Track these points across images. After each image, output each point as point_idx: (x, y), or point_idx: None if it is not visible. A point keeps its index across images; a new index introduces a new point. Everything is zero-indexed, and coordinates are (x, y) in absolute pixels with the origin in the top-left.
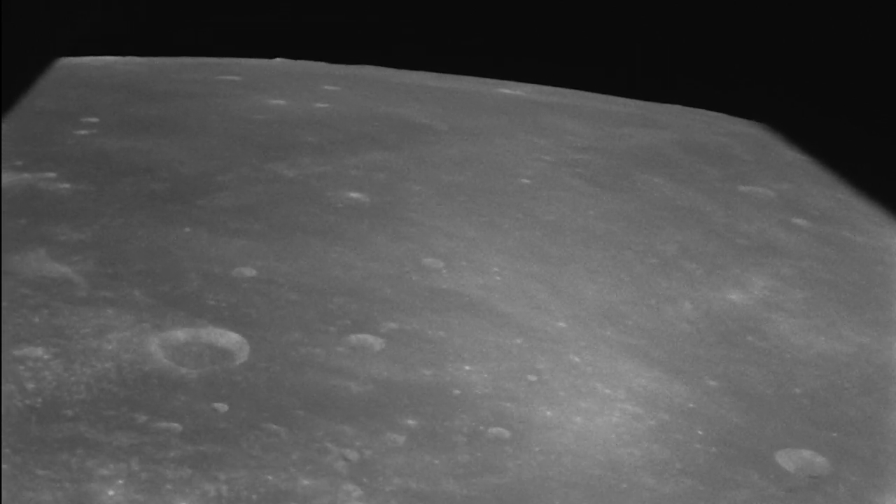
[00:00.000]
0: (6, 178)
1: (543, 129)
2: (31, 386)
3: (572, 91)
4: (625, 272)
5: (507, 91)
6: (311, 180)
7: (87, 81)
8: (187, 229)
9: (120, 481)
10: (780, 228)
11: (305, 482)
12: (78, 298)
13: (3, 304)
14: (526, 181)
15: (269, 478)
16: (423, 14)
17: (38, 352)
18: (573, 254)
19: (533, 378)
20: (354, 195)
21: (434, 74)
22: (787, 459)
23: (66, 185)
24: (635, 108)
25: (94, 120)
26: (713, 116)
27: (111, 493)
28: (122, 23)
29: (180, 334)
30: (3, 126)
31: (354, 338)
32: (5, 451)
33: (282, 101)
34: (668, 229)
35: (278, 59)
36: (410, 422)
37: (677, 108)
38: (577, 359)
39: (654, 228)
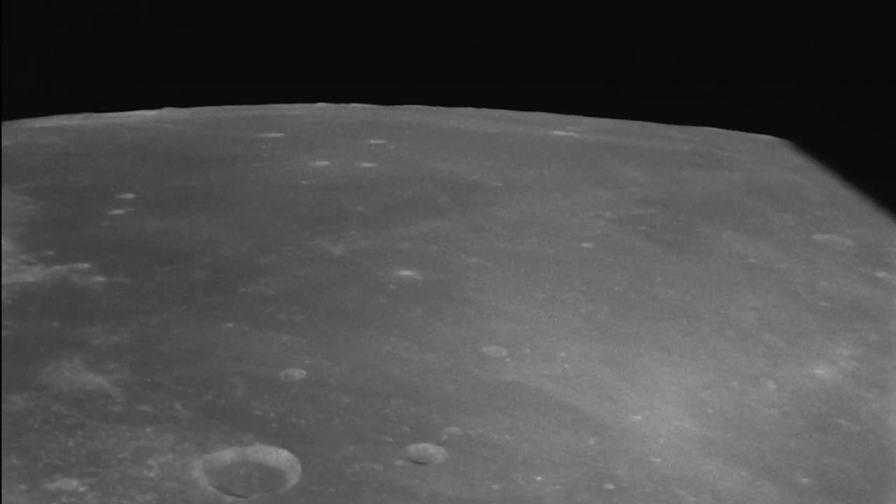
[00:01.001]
0: (39, 270)
1: (601, 179)
2: None
3: (617, 122)
4: (701, 348)
5: (559, 133)
6: (359, 257)
7: (121, 146)
8: (230, 325)
9: None
10: (863, 284)
11: None
12: (115, 415)
13: (36, 423)
14: (587, 245)
15: None
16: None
17: (73, 483)
18: (644, 330)
19: (610, 486)
20: (406, 273)
21: (481, 113)
22: None
23: (101, 279)
24: (686, 139)
25: (130, 196)
26: (737, 136)
27: None
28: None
29: (226, 455)
30: (34, 208)
31: (414, 448)
32: None
33: (326, 162)
34: (744, 293)
35: (320, 104)
36: None
37: (715, 131)
38: (656, 460)
39: (728, 294)
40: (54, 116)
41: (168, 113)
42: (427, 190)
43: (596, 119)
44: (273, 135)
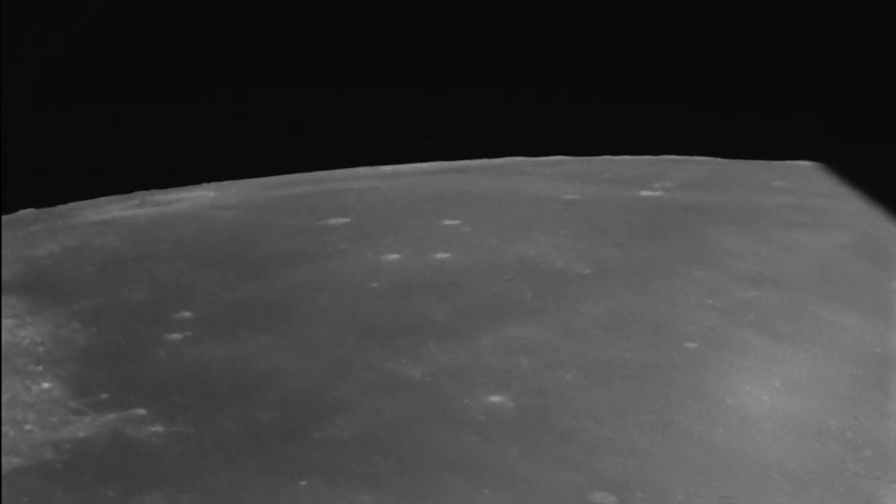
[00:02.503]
0: (91, 421)
1: (698, 254)
2: None
3: (697, 164)
4: (836, 478)
5: (646, 194)
6: (442, 381)
7: (177, 244)
8: (303, 482)
9: None
10: None
11: None
12: None
13: None
14: (693, 345)
15: None
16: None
17: None
18: (768, 457)
19: None
20: (496, 399)
21: (558, 170)
22: None
23: (159, 428)
24: (778, 187)
25: (188, 315)
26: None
27: None
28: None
29: None
30: (85, 336)
31: None
32: None
33: (396, 256)
34: (876, 399)
35: (386, 169)
36: None
37: (786, 166)
38: None
39: (858, 400)
40: (107, 201)
41: (223, 193)
42: (509, 285)
43: (680, 163)
44: (338, 220)
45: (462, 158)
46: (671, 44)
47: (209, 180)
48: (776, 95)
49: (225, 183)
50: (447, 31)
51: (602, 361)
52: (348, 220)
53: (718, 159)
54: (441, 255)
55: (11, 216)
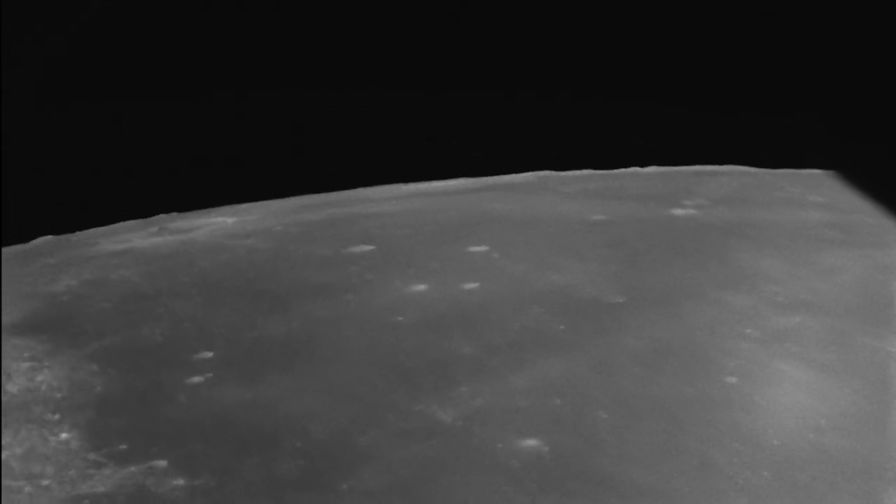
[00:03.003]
0: (110, 474)
1: (734, 278)
2: None
3: (725, 171)
4: None
5: (678, 212)
6: (473, 425)
7: (197, 277)
8: None
9: None
10: None
11: None
12: None
13: None
14: (732, 380)
15: None
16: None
17: None
18: None
19: None
20: (530, 443)
21: (586, 188)
22: None
23: (181, 481)
24: (814, 203)
25: (208, 355)
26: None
27: None
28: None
29: None
30: (103, 381)
31: None
32: None
33: (423, 286)
34: None
35: (409, 188)
36: None
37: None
38: None
39: None
40: (125, 228)
41: (241, 220)
42: (541, 316)
43: (709, 177)
44: (361, 248)
45: (465, 159)
46: (670, 43)
47: (220, 188)
48: (777, 96)
49: (244, 206)
50: (447, 31)
51: (639, 399)
52: (372, 247)
53: (748, 170)
54: (469, 285)
55: (29, 245)
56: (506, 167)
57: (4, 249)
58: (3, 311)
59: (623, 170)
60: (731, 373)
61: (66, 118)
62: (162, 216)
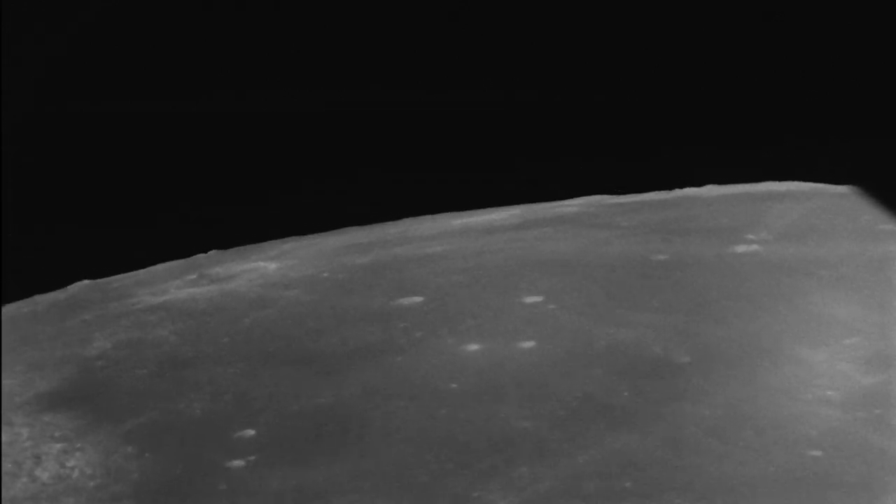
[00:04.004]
0: None
1: (809, 328)
2: None
3: (788, 192)
4: None
5: (741, 249)
6: None
7: (239, 334)
8: None
9: None
10: None
11: None
12: None
13: None
14: (817, 453)
15: None
16: None
17: None
18: None
19: None
20: None
21: (644, 221)
22: None
23: None
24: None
25: (251, 433)
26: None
27: None
28: None
29: None
30: (139, 465)
31: None
32: None
33: (477, 346)
34: None
35: (456, 224)
36: None
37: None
38: None
39: None
40: (163, 274)
41: (283, 265)
42: (603, 381)
43: (773, 201)
44: (411, 300)
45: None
46: (669, 44)
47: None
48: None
49: (287, 245)
50: (447, 31)
51: (715, 479)
52: (421, 299)
53: (811, 190)
54: (526, 344)
55: (66, 293)
56: (547, 178)
57: (41, 297)
58: (36, 376)
59: (680, 192)
60: (816, 445)
61: (66, 118)
62: (200, 257)
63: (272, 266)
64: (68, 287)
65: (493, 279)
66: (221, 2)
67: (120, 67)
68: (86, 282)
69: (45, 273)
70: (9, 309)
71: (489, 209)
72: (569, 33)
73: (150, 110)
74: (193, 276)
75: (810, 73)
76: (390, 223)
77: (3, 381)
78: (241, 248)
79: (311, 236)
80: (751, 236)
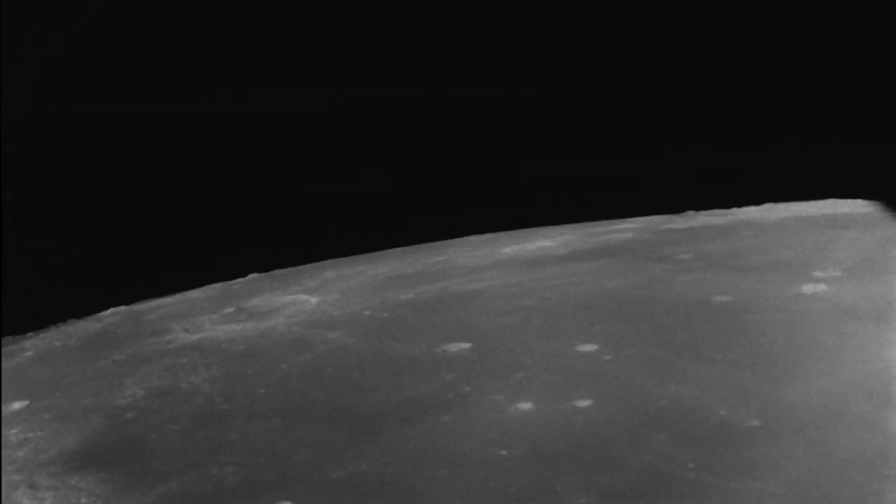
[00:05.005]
0: None
1: (885, 388)
2: None
3: (854, 216)
4: None
5: (807, 289)
6: None
7: (273, 389)
8: None
9: None
10: None
11: None
12: None
13: None
14: None
15: None
16: None
17: None
18: None
19: None
20: None
21: (703, 252)
22: None
23: None
24: None
25: None
26: None
27: None
28: None
29: None
30: None
31: None
32: None
33: (529, 404)
34: None
35: (507, 252)
36: None
37: None
38: None
39: None
40: (200, 305)
41: (325, 300)
42: (665, 448)
43: (837, 228)
44: (458, 347)
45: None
46: (669, 44)
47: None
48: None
49: (328, 273)
50: (447, 31)
51: None
52: (469, 345)
53: (877, 214)
54: (581, 403)
55: (99, 324)
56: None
57: (75, 326)
58: (63, 428)
59: (739, 213)
60: None
61: (66, 118)
62: (239, 284)
63: (313, 300)
64: (102, 315)
65: (544, 322)
66: (221, 2)
67: (120, 67)
68: (121, 308)
69: (79, 292)
70: (41, 341)
71: (536, 229)
72: (569, 33)
73: (150, 110)
74: (231, 310)
75: (810, 73)
76: (434, 244)
77: (31, 434)
78: (281, 272)
79: (353, 259)
80: (818, 273)
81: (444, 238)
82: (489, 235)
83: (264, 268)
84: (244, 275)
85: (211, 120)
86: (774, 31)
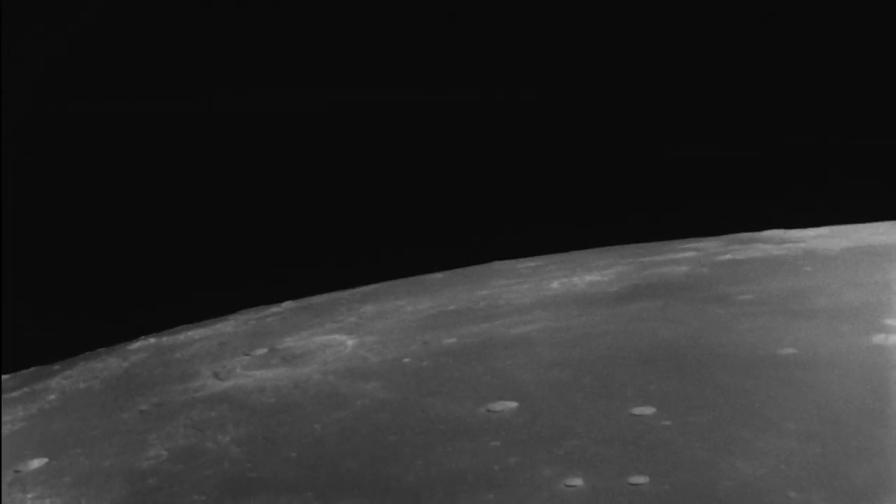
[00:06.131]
0: None
1: None
2: None
3: None
4: None
5: (878, 340)
6: None
7: (305, 454)
8: None
9: None
10: None
11: None
12: None
13: None
14: None
15: None
16: None
17: None
18: None
19: None
20: None
21: (763, 297)
22: None
23: None
24: None
25: None
26: None
27: None
28: None
29: None
30: None
31: None
32: None
33: (579, 480)
34: None
35: (554, 287)
36: None
37: None
38: None
39: None
40: (231, 345)
41: (362, 342)
42: None
43: None
44: (504, 406)
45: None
46: (669, 44)
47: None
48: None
49: (366, 307)
50: (447, 31)
51: None
52: (515, 405)
53: None
54: (637, 479)
55: (127, 357)
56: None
57: (103, 363)
58: (82, 495)
59: (796, 236)
60: None
61: (66, 118)
62: (273, 318)
63: (349, 342)
64: (131, 347)
65: (595, 379)
66: (221, 2)
67: (120, 67)
68: (150, 341)
69: (110, 307)
70: (66, 380)
71: (586, 253)
72: (569, 33)
73: (150, 110)
74: (263, 351)
75: (810, 74)
76: (478, 268)
77: (49, 500)
78: (318, 300)
79: (391, 285)
80: (889, 321)
81: (486, 258)
82: (536, 261)
83: (297, 288)
84: (277, 295)
85: (211, 120)
86: (775, 31)
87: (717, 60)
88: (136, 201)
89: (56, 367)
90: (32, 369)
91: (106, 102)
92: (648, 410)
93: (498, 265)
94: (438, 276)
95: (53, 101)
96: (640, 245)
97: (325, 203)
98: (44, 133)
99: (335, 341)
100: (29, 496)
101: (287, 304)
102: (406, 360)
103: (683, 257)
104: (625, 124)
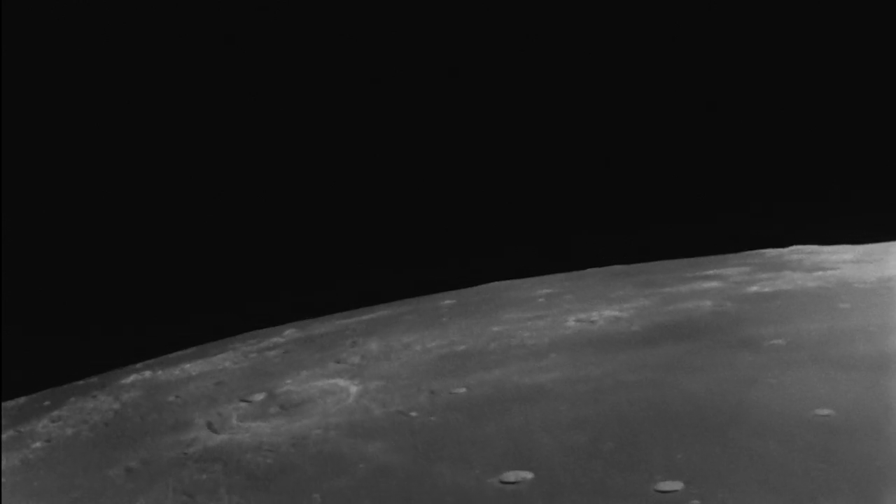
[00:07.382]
0: None
1: None
2: None
3: None
4: None
5: None
6: None
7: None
8: None
9: None
10: None
11: None
12: None
13: None
14: None
15: None
16: None
17: None
18: None
19: None
20: None
21: (796, 345)
22: None
23: None
24: None
25: None
26: None
27: None
28: None
29: None
30: None
31: None
32: None
33: None
34: None
35: (570, 327)
36: None
37: None
38: None
39: None
40: (231, 387)
41: (365, 388)
42: None
43: None
44: (517, 476)
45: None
46: (670, 45)
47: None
48: None
49: (371, 345)
50: (447, 31)
51: None
52: (530, 476)
53: None
54: None
55: (119, 397)
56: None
57: (93, 402)
58: None
59: (826, 257)
60: None
61: (65, 118)
62: (274, 353)
63: (353, 389)
64: (123, 382)
65: (617, 442)
66: (221, 2)
67: (120, 67)
68: (146, 374)
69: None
70: (53, 425)
71: (606, 278)
72: (569, 33)
73: (149, 110)
74: (261, 397)
75: (811, 74)
76: (489, 286)
77: None
78: (320, 331)
79: (397, 312)
80: None
81: (497, 272)
82: (549, 285)
83: (299, 304)
84: (281, 312)
85: (211, 120)
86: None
87: (737, 69)
88: (138, 221)
89: (46, 403)
90: (22, 400)
91: (105, 102)
92: (676, 486)
93: (509, 290)
94: (448, 301)
95: (53, 101)
96: (659, 263)
97: (332, 219)
98: (40, 151)
99: (337, 387)
100: None
101: (289, 333)
102: (413, 413)
103: (707, 288)
104: (637, 134)
